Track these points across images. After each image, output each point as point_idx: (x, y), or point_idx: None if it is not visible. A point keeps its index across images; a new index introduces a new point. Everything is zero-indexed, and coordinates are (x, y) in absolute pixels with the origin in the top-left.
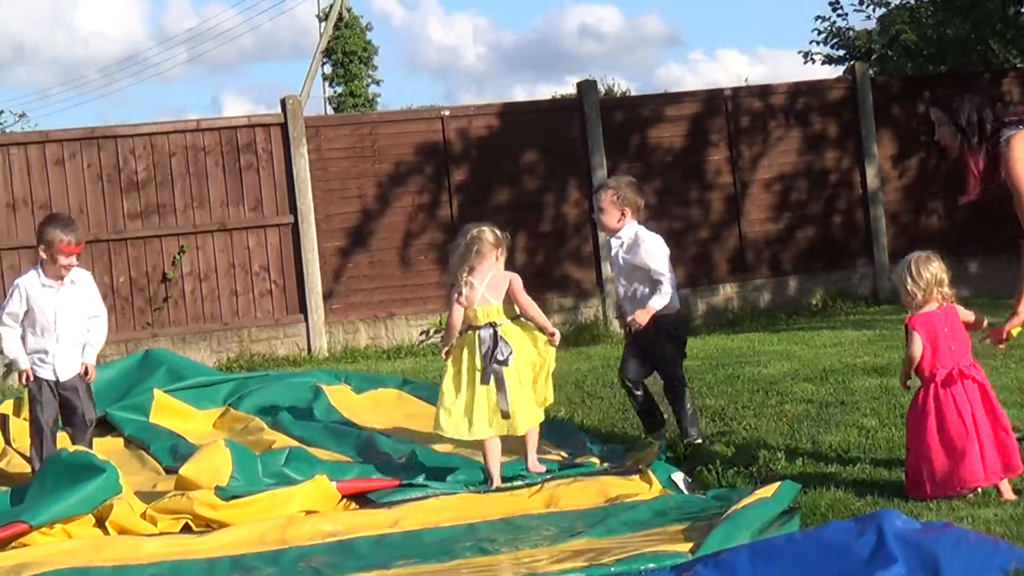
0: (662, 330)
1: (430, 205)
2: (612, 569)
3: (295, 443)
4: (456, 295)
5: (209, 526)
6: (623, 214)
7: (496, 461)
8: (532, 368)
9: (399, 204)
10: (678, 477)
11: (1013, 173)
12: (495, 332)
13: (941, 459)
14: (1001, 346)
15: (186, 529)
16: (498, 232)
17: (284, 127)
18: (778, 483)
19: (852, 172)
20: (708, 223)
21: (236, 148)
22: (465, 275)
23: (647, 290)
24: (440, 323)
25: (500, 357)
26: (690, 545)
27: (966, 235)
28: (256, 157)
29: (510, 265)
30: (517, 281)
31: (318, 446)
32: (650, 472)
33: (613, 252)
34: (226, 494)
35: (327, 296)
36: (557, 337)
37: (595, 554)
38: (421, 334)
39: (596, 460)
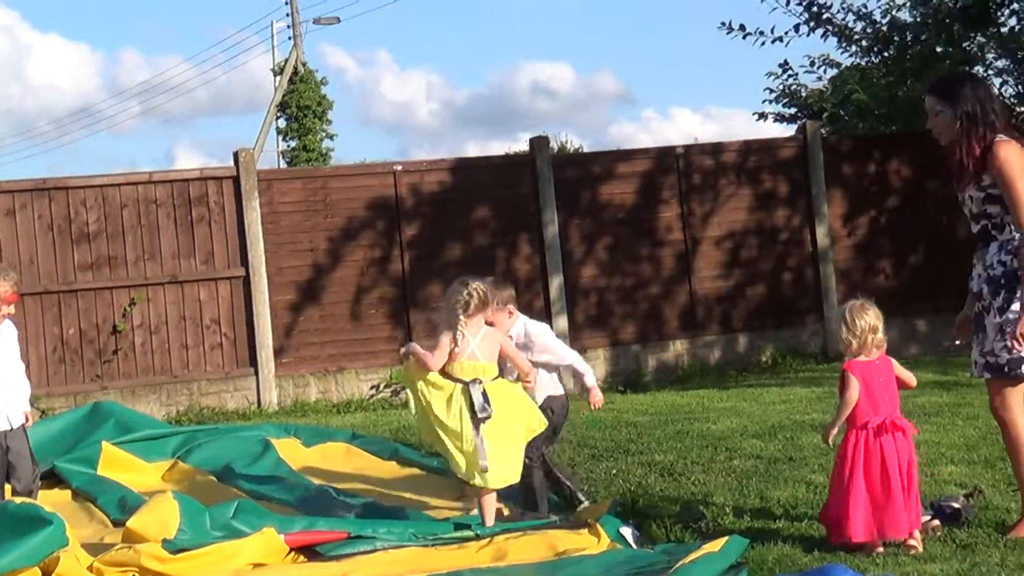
0: (544, 407)
1: (381, 260)
2: None
3: (244, 496)
4: (449, 337)
5: None
6: (509, 313)
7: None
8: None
9: (350, 258)
10: (627, 531)
11: (1009, 174)
12: (482, 390)
13: (867, 508)
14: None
15: None
16: (489, 292)
17: (236, 180)
18: (726, 538)
19: (802, 230)
20: (659, 279)
21: (188, 201)
22: (460, 326)
23: (549, 375)
24: (391, 377)
25: (481, 415)
26: None
27: (914, 293)
28: (208, 210)
29: None
30: (507, 341)
31: (267, 499)
32: (599, 526)
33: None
34: (173, 547)
35: (278, 350)
36: (532, 377)
37: None
38: (371, 388)
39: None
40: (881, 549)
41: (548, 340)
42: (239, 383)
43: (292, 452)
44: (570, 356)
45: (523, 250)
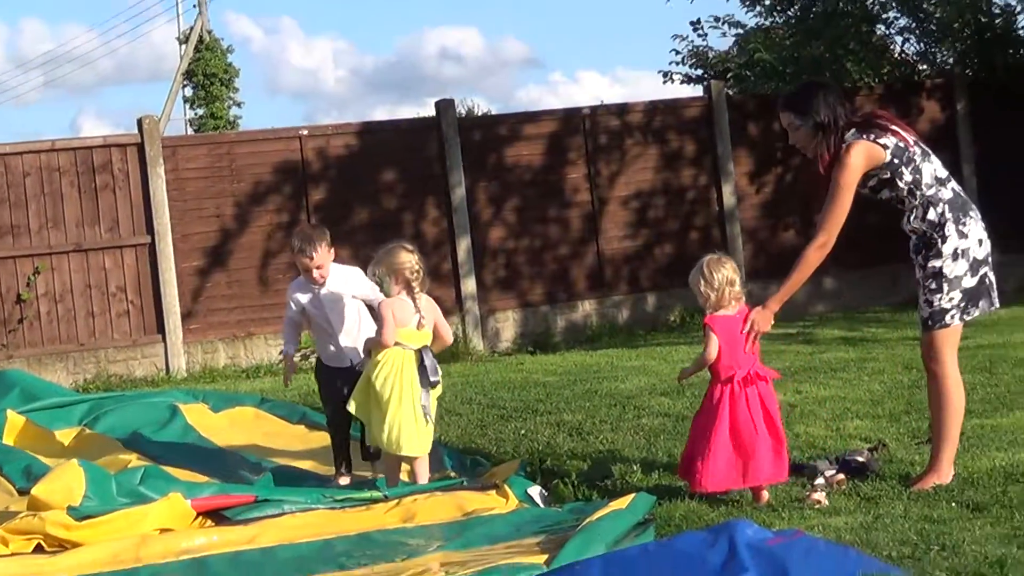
0: None
1: (289, 224)
2: None
3: (151, 462)
4: (391, 309)
5: (62, 546)
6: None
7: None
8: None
9: (257, 223)
10: (535, 491)
11: (840, 180)
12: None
13: (729, 455)
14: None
15: (38, 550)
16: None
17: (141, 147)
18: (633, 495)
19: (709, 189)
20: (567, 240)
21: (92, 168)
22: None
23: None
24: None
25: (433, 379)
26: (545, 557)
27: None
28: (112, 177)
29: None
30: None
31: (175, 465)
32: (507, 487)
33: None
34: (79, 514)
35: (185, 316)
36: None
37: (451, 567)
38: (280, 353)
39: (453, 475)
40: (767, 495)
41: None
42: (147, 350)
43: (200, 418)
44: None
45: (431, 213)
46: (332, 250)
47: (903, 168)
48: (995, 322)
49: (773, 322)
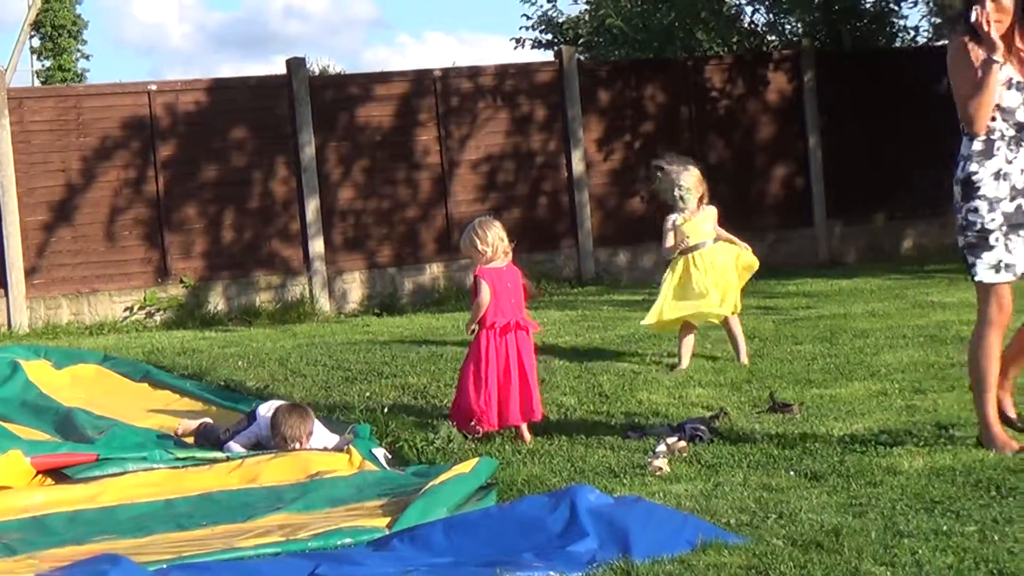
0: None
1: (136, 180)
2: (309, 544)
3: None
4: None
5: None
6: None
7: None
8: None
9: (104, 179)
10: (379, 452)
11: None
12: None
13: (491, 397)
14: None
15: None
16: None
17: None
18: (476, 459)
19: (558, 155)
20: (416, 202)
21: None
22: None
23: None
24: (145, 299)
25: None
26: (387, 520)
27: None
28: None
29: (217, 243)
30: None
31: (15, 422)
32: (352, 447)
33: None
34: None
35: (29, 271)
36: None
37: (292, 529)
38: (125, 310)
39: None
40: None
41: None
42: None
43: (42, 374)
44: None
45: (280, 172)
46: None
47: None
48: (837, 292)
49: None
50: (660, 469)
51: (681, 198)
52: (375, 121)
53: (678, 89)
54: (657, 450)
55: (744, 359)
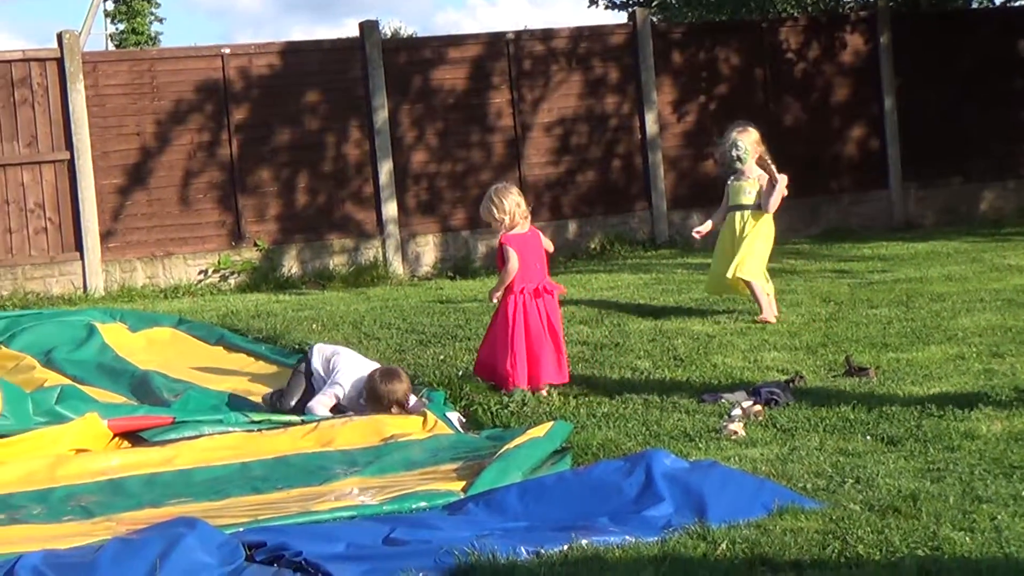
0: None
1: (210, 144)
2: (384, 508)
3: (68, 382)
4: None
5: None
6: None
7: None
8: None
9: (178, 142)
10: (453, 416)
11: None
12: None
13: (518, 359)
14: None
15: None
16: None
17: (60, 62)
18: (551, 423)
19: (632, 117)
20: (489, 166)
21: (10, 83)
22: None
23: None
24: (219, 262)
25: None
26: (462, 484)
27: None
28: (31, 92)
29: (290, 206)
30: None
31: (92, 385)
32: (428, 411)
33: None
34: None
35: (104, 235)
36: None
37: (367, 493)
38: (199, 273)
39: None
40: (545, 392)
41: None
42: (64, 268)
43: (117, 337)
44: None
45: (353, 135)
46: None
47: None
48: (913, 256)
49: None
50: (735, 433)
51: (739, 158)
52: (448, 84)
53: (752, 51)
54: (732, 414)
55: (767, 316)
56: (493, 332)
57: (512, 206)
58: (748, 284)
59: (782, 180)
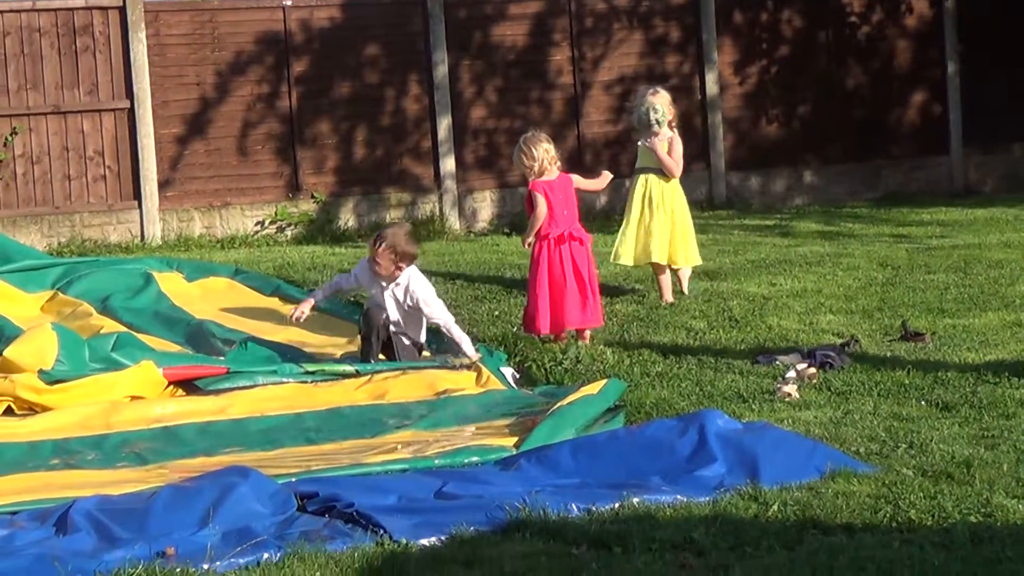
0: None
1: (269, 95)
2: (436, 462)
3: (124, 329)
4: None
5: (32, 409)
6: (398, 268)
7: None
8: None
9: (238, 93)
10: (507, 371)
11: None
12: None
13: (539, 302)
14: None
15: (8, 412)
16: None
17: (123, 11)
18: (605, 381)
19: (692, 77)
20: (548, 122)
21: (73, 30)
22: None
23: (416, 332)
24: (276, 214)
25: None
26: (514, 439)
27: (802, 144)
28: (93, 40)
29: (348, 159)
30: None
31: (147, 333)
32: (481, 365)
33: (386, 294)
34: (50, 378)
35: (162, 183)
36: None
37: (420, 446)
38: (256, 224)
39: (427, 354)
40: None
41: (428, 296)
42: (122, 216)
43: (174, 286)
44: (444, 315)
45: (412, 90)
46: (404, 264)
47: None
48: (972, 222)
49: None
50: (789, 395)
51: (657, 121)
52: (508, 40)
53: (815, 13)
54: (787, 376)
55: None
56: (529, 279)
57: (541, 153)
58: (668, 268)
59: (678, 142)
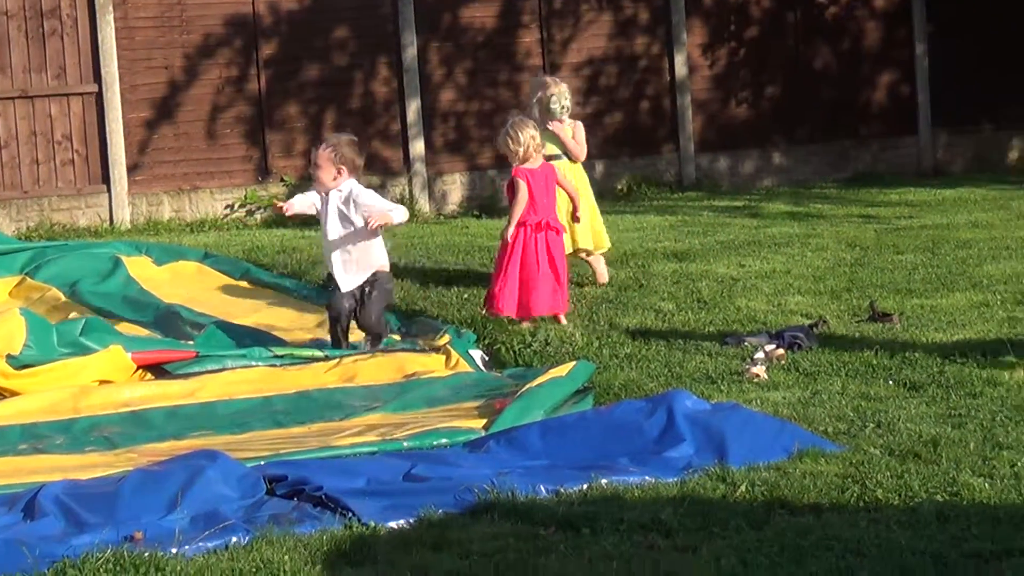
0: (377, 285)
1: (238, 79)
2: (405, 444)
3: (92, 313)
4: None
5: (0, 394)
6: (339, 172)
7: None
8: None
9: (207, 76)
10: (476, 354)
11: None
12: None
13: (506, 285)
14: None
15: None
16: None
17: None
18: (573, 363)
19: (661, 59)
20: (517, 104)
21: (40, 13)
22: None
23: (361, 248)
24: (246, 197)
25: None
26: (483, 422)
27: (771, 126)
28: (60, 23)
29: (317, 142)
30: None
31: (116, 317)
32: (451, 348)
33: (329, 207)
34: (18, 363)
35: (131, 167)
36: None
37: (389, 429)
38: (226, 208)
39: (396, 337)
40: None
41: (373, 197)
42: (91, 200)
43: (142, 270)
44: (392, 205)
45: (381, 72)
46: (344, 169)
47: None
48: (940, 202)
49: None
50: (758, 376)
51: (564, 108)
52: (477, 22)
53: None
54: (755, 357)
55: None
56: (496, 261)
57: (527, 139)
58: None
59: (581, 127)
